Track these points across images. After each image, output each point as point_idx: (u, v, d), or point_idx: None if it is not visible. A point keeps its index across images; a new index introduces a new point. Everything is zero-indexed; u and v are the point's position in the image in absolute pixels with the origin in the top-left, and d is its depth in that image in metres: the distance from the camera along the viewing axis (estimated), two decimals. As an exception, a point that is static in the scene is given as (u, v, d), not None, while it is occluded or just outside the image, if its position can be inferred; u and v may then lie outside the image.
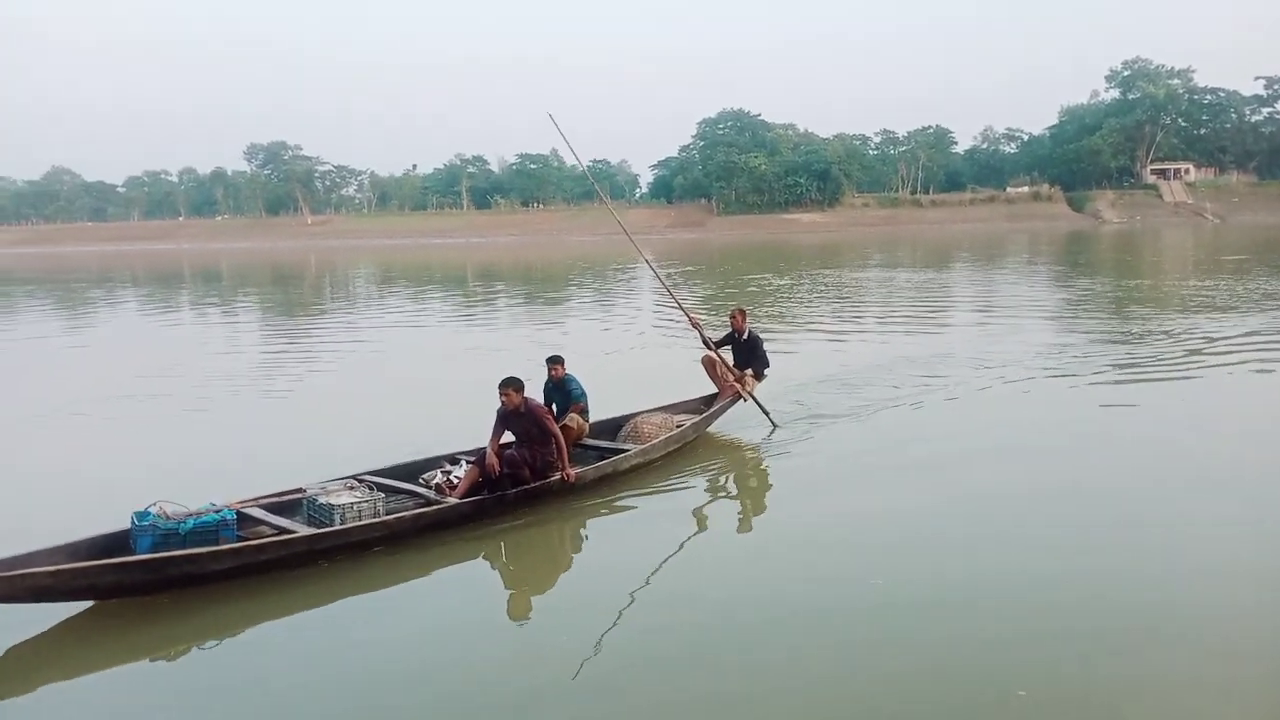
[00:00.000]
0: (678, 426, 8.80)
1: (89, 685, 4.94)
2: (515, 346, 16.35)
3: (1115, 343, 14.85)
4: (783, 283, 29.66)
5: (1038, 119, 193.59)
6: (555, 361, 8.65)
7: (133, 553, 5.76)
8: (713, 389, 10.02)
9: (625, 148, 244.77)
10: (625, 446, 8.35)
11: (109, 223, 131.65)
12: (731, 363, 9.97)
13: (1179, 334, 15.43)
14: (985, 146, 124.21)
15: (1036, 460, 8.45)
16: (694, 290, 27.86)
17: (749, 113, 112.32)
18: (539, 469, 7.28)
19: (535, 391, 8.18)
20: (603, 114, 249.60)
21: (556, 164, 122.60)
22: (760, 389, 10.00)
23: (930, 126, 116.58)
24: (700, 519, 7.27)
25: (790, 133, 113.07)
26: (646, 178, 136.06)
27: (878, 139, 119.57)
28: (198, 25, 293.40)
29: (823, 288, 27.77)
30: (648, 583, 5.93)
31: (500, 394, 7.26)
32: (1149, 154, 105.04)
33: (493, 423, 7.35)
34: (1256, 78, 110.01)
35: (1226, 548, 6.22)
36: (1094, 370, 12.39)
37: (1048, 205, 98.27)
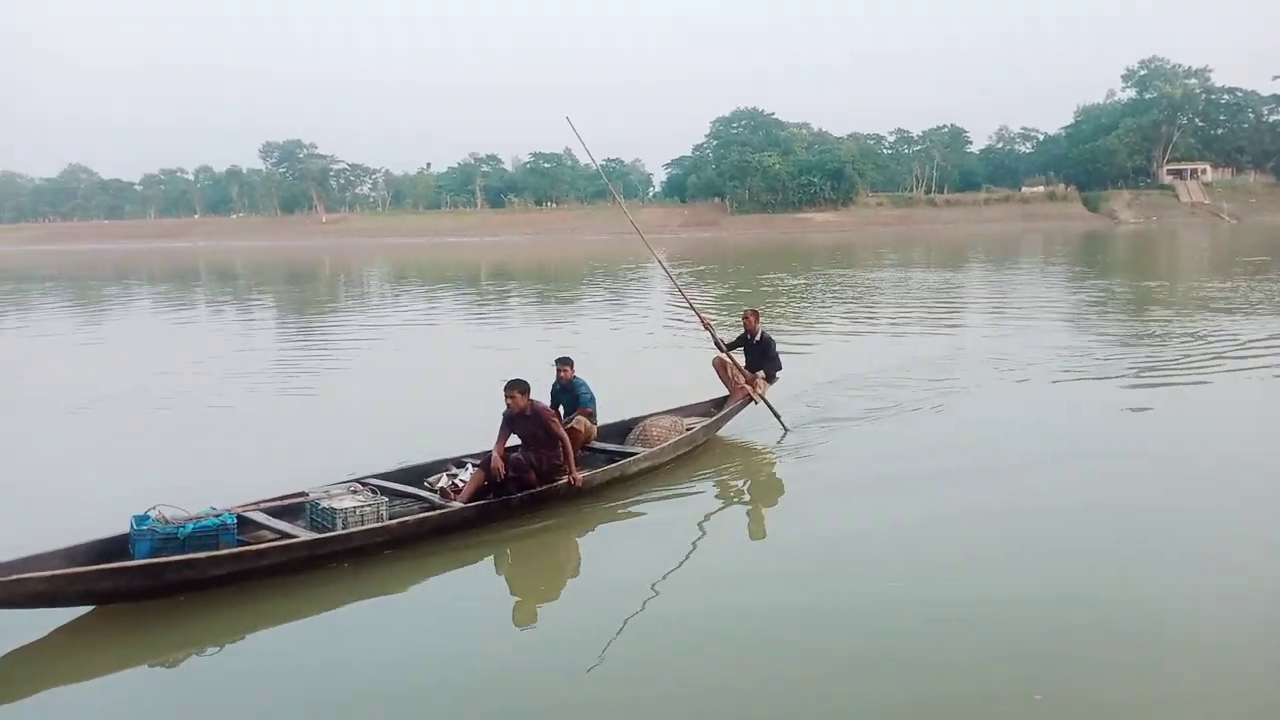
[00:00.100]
0: (687, 429, 8.67)
1: (87, 692, 4.87)
2: (526, 346, 16.28)
3: (1134, 346, 14.65)
4: (796, 283, 29.50)
5: (1053, 118, 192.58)
6: (564, 363, 8.52)
7: (131, 557, 5.68)
8: (723, 391, 9.90)
9: (639, 147, 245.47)
10: (634, 450, 8.22)
11: (125, 220, 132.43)
12: (743, 364, 9.84)
13: (1200, 337, 15.20)
14: (1000, 146, 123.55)
15: (1054, 468, 8.26)
16: (706, 290, 27.72)
17: (763, 111, 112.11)
18: (545, 473, 7.16)
19: (543, 393, 8.08)
20: (617, 112, 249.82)
21: (570, 163, 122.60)
22: (772, 391, 9.87)
23: (945, 126, 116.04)
24: (710, 526, 7.13)
25: (804, 132, 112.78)
26: (660, 176, 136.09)
27: (892, 138, 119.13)
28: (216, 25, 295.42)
29: (836, 288, 27.60)
30: (656, 591, 5.81)
31: (506, 396, 7.16)
32: (1165, 154, 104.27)
33: (499, 425, 7.25)
34: (1275, 77, 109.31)
35: (1248, 560, 6.06)
36: (1114, 374, 12.20)
37: (1063, 205, 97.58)
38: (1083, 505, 7.16)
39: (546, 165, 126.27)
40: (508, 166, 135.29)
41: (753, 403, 9.61)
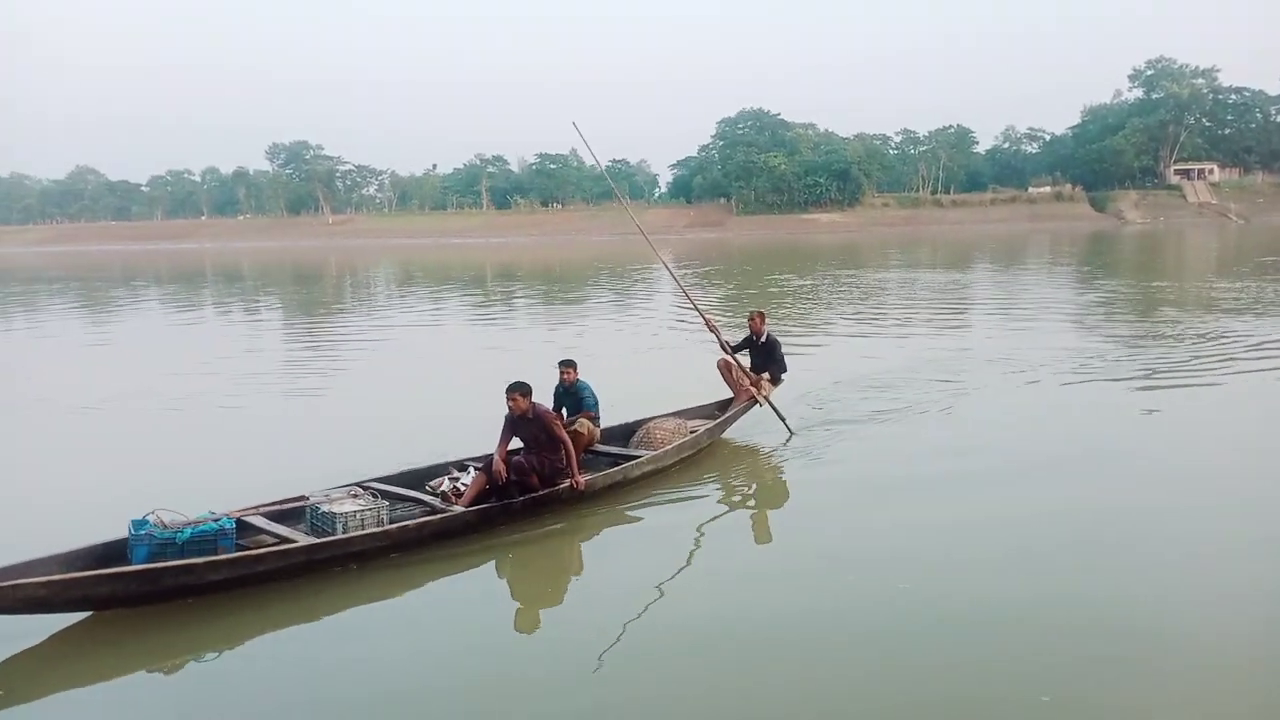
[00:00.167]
0: (691, 432, 8.60)
1: (84, 698, 4.83)
2: (530, 348, 16.22)
3: (1144, 347, 14.53)
4: (802, 283, 29.41)
5: (1060, 118, 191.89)
6: (567, 365, 8.45)
7: (129, 562, 5.63)
8: (728, 393, 9.82)
9: (645, 147, 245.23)
10: (637, 453, 8.15)
11: (132, 222, 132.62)
12: (749, 366, 9.76)
13: (1211, 338, 15.09)
14: (1007, 146, 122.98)
15: (1064, 471, 8.17)
16: (712, 291, 27.65)
17: (768, 112, 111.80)
18: (548, 476, 7.10)
19: (546, 395, 8.01)
20: (622, 113, 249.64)
21: (576, 164, 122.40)
22: (777, 394, 9.79)
23: (951, 126, 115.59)
24: (714, 530, 7.05)
25: (810, 132, 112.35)
26: (666, 177, 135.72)
27: (898, 139, 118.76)
28: (221, 24, 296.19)
29: (843, 289, 27.49)
30: (661, 595, 5.74)
31: (507, 399, 7.09)
32: (1172, 154, 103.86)
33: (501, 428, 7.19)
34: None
35: (1260, 567, 5.98)
36: (1124, 375, 12.11)
37: (1070, 205, 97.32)
38: (1092, 508, 7.08)
39: (552, 166, 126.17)
40: (513, 167, 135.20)
41: (758, 405, 9.53)
